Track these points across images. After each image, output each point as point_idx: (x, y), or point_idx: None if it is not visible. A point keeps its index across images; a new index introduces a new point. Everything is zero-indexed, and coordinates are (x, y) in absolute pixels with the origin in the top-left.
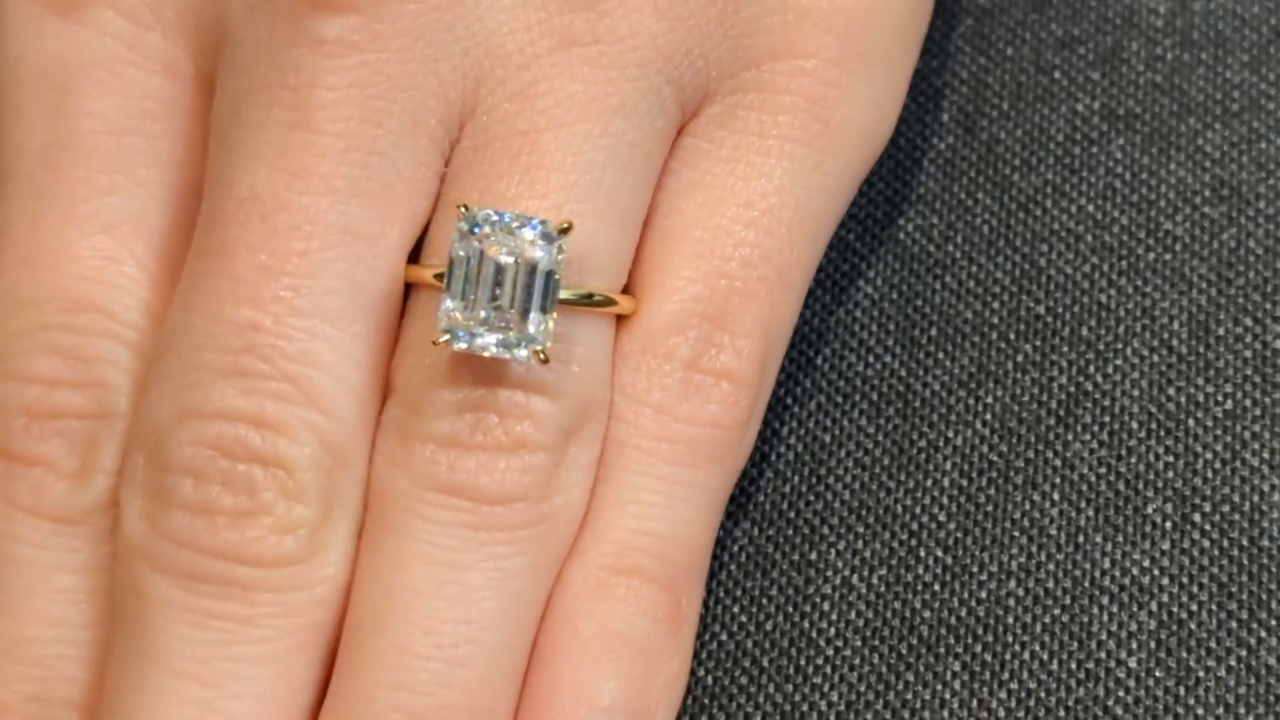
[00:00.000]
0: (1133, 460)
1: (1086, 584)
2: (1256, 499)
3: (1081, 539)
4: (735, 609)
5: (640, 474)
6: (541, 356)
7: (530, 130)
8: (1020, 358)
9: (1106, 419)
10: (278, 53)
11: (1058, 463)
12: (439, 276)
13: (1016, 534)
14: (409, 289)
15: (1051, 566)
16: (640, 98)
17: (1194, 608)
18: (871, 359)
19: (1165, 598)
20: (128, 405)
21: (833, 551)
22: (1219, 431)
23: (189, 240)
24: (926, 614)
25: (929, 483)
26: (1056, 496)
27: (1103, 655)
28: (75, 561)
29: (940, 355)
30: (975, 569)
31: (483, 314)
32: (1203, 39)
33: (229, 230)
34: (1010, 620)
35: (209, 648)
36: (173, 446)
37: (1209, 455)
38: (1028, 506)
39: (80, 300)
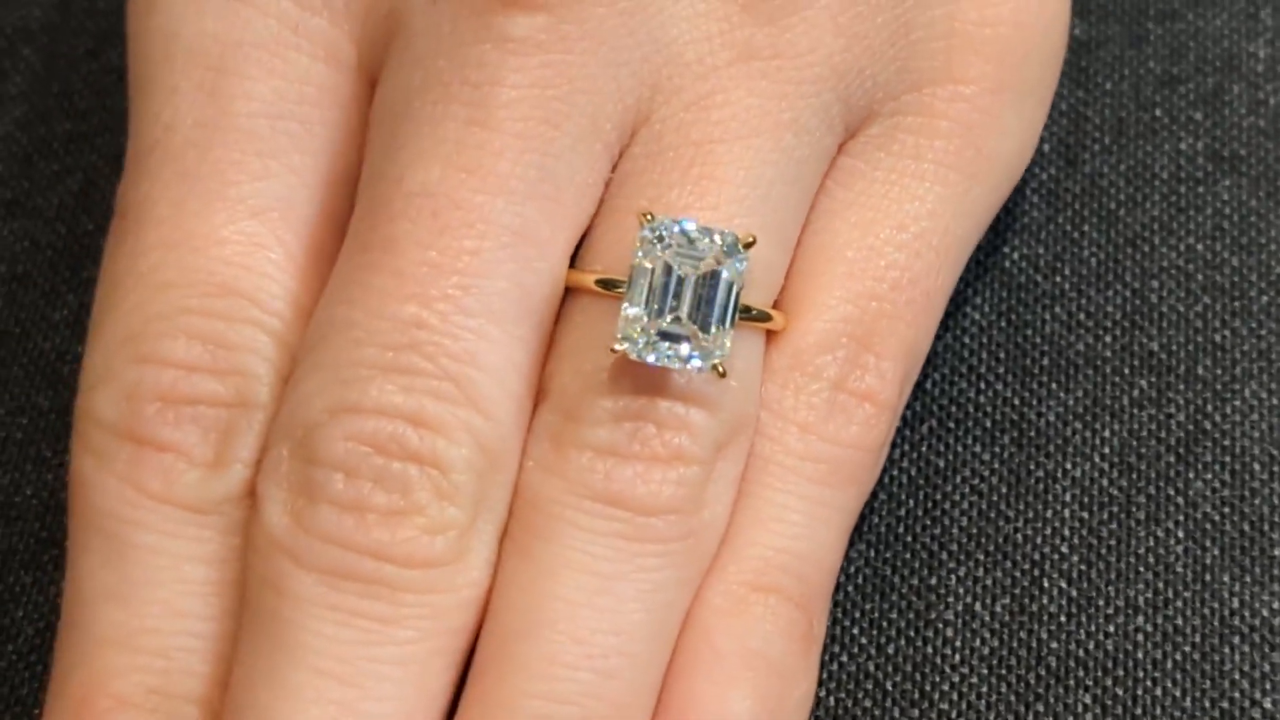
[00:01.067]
0: (1256, 502)
1: (1216, 623)
2: None
3: (1209, 577)
4: (855, 631)
5: (783, 491)
6: (720, 371)
7: (704, 141)
8: (1135, 393)
9: (1227, 459)
10: (460, 48)
11: (1180, 500)
12: (600, 282)
13: (1142, 569)
14: (565, 293)
15: (1180, 604)
16: (811, 114)
17: None
18: (983, 385)
19: None
20: (269, 396)
21: (953, 578)
22: None
23: (337, 231)
24: (1054, 645)
25: (1049, 514)
26: (1181, 534)
27: (1236, 695)
28: (203, 552)
29: (1053, 386)
30: (1101, 602)
31: (662, 324)
32: None
33: (397, 225)
34: (1140, 655)
35: (351, 647)
36: (324, 441)
37: None
38: (1152, 543)
39: (224, 285)
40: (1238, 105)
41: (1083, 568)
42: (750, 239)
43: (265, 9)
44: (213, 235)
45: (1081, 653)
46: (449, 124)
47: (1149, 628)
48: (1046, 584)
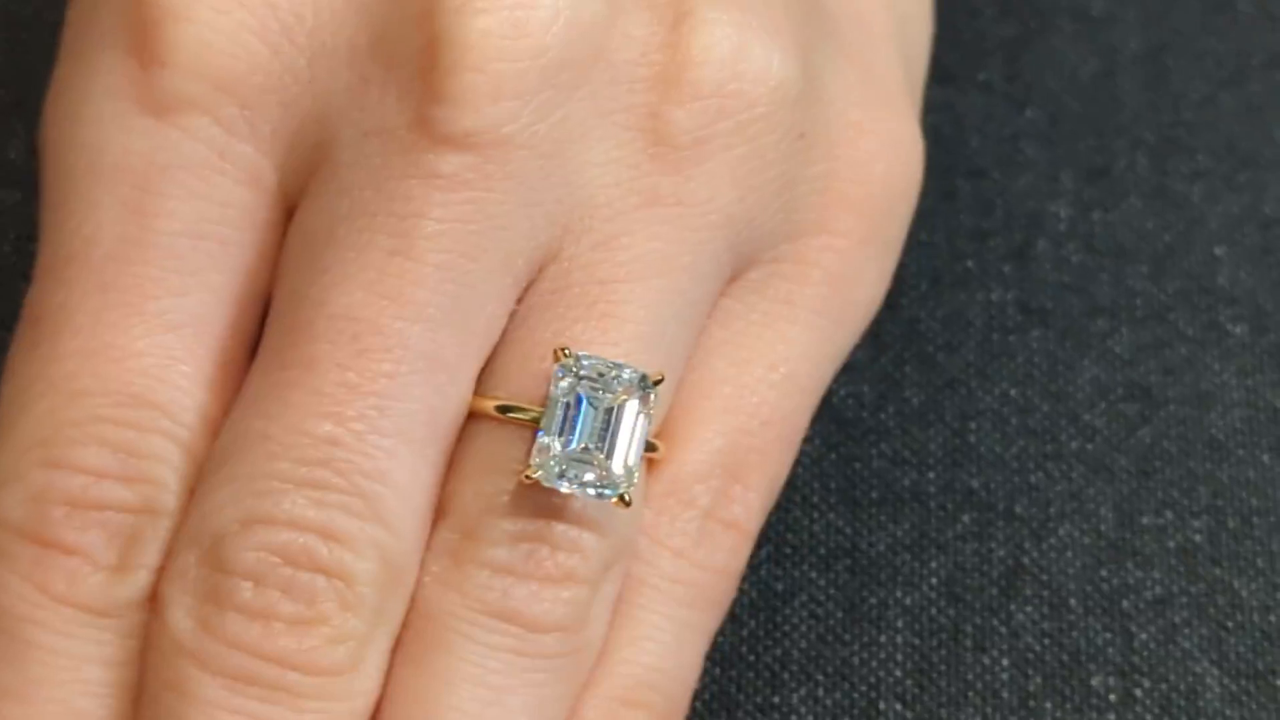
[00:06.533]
0: (1074, 634)
1: None
2: (1191, 680)
3: (1032, 704)
4: None
5: (655, 612)
6: (626, 500)
7: (609, 280)
8: (959, 528)
9: (1045, 593)
10: (388, 181)
11: (1004, 630)
12: (502, 408)
13: (970, 694)
14: (468, 416)
15: None
16: (706, 260)
17: None
18: (816, 515)
19: None
20: (175, 504)
21: (794, 697)
22: (1151, 614)
23: (244, 347)
24: None
25: (882, 639)
26: (1006, 662)
27: None
28: (103, 654)
29: (882, 518)
30: None
31: (573, 455)
32: (1104, 246)
33: (318, 346)
34: None
35: None
36: (235, 550)
37: (1144, 636)
38: (979, 669)
39: (138, 395)
40: (1043, 261)
41: (916, 691)
42: (659, 376)
43: (194, 133)
44: (129, 347)
45: None
46: (373, 252)
47: None
48: (883, 705)
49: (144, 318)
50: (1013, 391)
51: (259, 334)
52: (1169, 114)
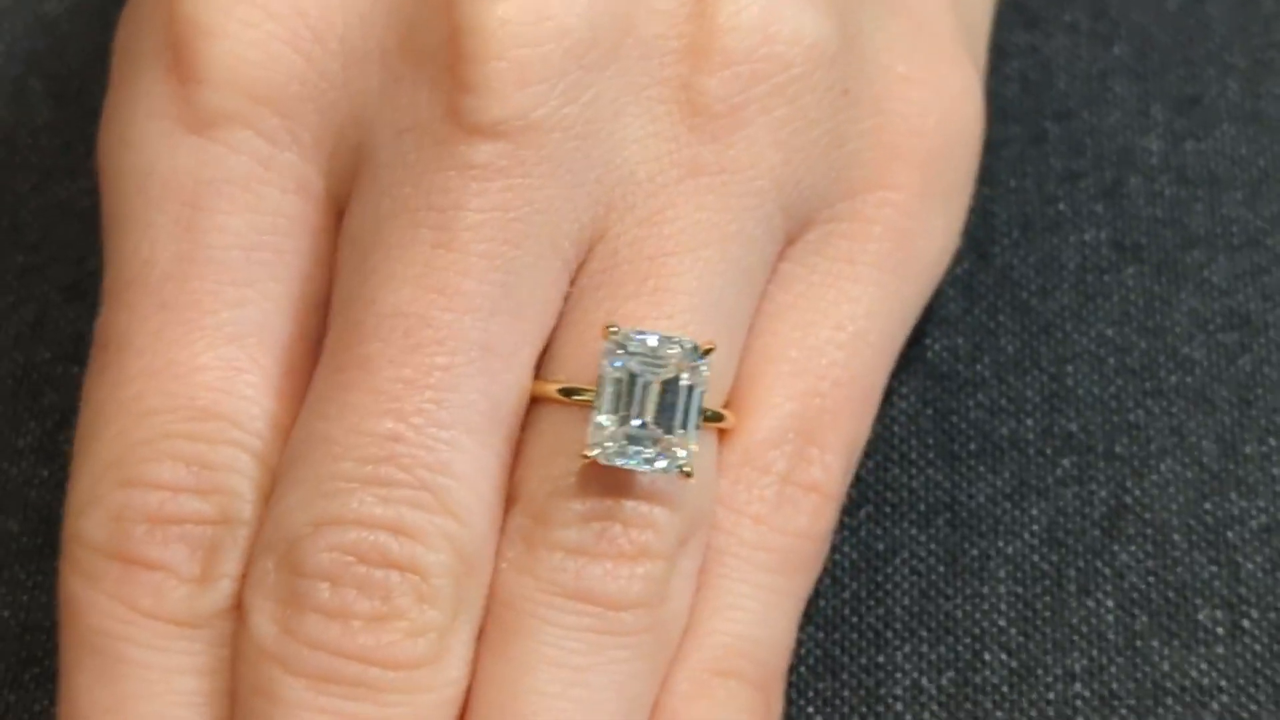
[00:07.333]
0: (1179, 570)
1: (1149, 686)
2: None
3: (1139, 643)
4: (810, 709)
5: (739, 581)
6: (686, 472)
7: (658, 255)
8: (1059, 472)
9: (1149, 531)
10: (425, 176)
11: (1108, 571)
12: (563, 391)
13: (1076, 639)
14: (531, 402)
15: (1114, 669)
16: (755, 225)
17: (1253, 708)
18: (915, 471)
19: (1225, 699)
20: (252, 512)
21: (899, 655)
22: (1257, 544)
23: (310, 353)
24: (999, 714)
25: (985, 590)
26: (1111, 604)
27: None
28: (194, 664)
29: (981, 469)
30: (1040, 671)
31: (630, 430)
32: (1197, 177)
33: (371, 345)
34: None
35: None
36: (308, 552)
37: (1250, 566)
38: (1084, 613)
39: (206, 409)
40: (1135, 197)
41: (1021, 639)
42: (710, 345)
43: (237, 146)
44: (193, 362)
45: None
46: (417, 247)
47: (1086, 693)
48: (988, 657)
49: (204, 332)
50: (1109, 331)
51: (323, 339)
52: (1260, 37)
